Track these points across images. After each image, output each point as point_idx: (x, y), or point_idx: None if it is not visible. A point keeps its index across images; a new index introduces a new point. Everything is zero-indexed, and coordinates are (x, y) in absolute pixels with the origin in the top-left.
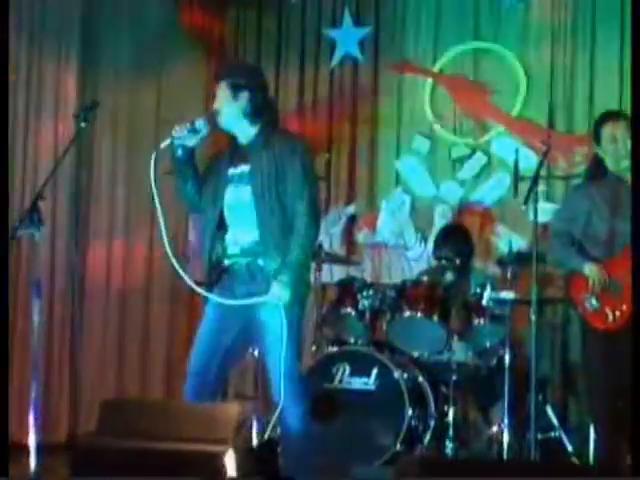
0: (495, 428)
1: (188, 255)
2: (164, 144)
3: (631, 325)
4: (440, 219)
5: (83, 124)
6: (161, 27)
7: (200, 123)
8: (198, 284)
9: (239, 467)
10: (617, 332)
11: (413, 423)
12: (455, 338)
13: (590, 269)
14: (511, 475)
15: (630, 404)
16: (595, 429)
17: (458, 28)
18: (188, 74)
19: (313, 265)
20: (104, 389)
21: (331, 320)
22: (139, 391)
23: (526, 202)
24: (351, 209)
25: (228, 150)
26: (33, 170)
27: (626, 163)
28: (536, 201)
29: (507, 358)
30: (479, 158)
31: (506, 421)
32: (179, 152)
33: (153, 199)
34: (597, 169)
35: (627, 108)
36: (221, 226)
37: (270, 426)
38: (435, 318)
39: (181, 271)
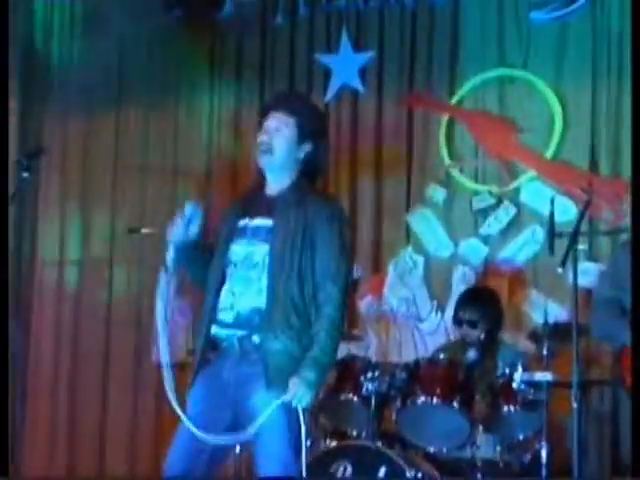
0: None
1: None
2: (168, 259)
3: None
4: (460, 284)
5: (25, 174)
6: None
7: (190, 210)
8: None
9: None
10: None
11: None
12: (480, 429)
13: None
14: None
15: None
16: None
17: (479, 53)
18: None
19: None
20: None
21: (329, 408)
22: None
23: (564, 263)
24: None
25: (244, 198)
26: None
27: None
28: (576, 261)
29: (544, 454)
30: (506, 209)
31: None
32: (182, 252)
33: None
34: None
35: None
36: (222, 288)
37: None
38: (455, 405)
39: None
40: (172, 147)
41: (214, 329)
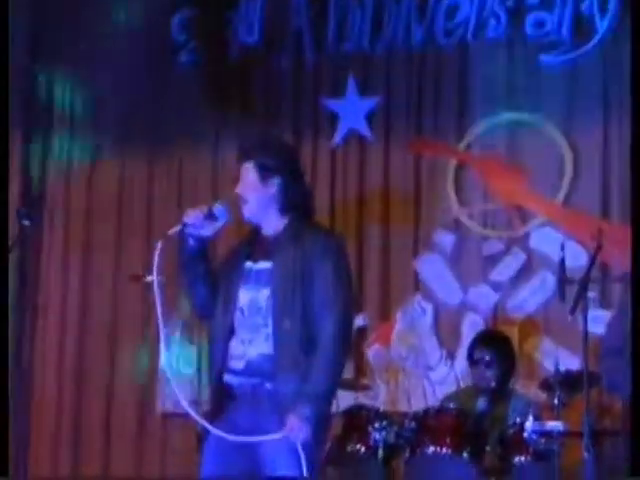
0: None
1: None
2: (173, 231)
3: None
4: (469, 331)
5: (26, 222)
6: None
7: (219, 209)
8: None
9: None
10: None
11: None
12: None
13: None
14: None
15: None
16: None
17: (488, 97)
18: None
19: None
20: None
21: (336, 459)
22: None
23: (574, 310)
24: (360, 320)
25: (247, 240)
26: None
27: None
28: (587, 309)
29: None
30: (516, 255)
31: None
32: (190, 243)
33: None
34: None
35: None
36: (231, 335)
37: None
38: (465, 455)
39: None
40: (176, 196)
41: (226, 377)
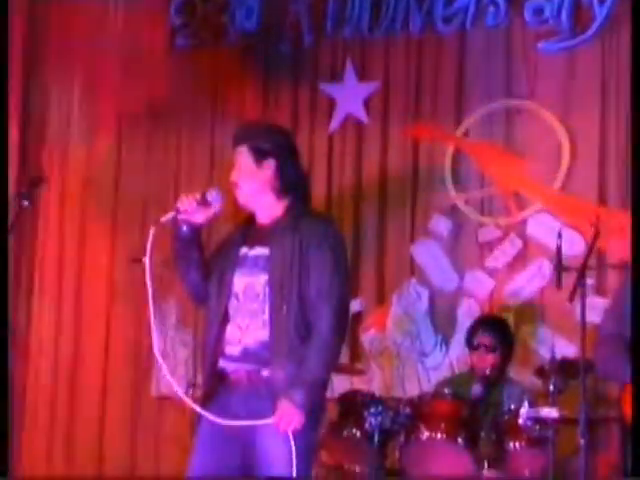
0: None
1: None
2: (166, 218)
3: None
4: (465, 317)
5: (26, 202)
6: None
7: (213, 195)
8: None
9: None
10: None
11: None
12: (485, 466)
13: None
14: None
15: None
16: None
17: (486, 83)
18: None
19: None
20: None
21: (331, 443)
22: None
23: (571, 298)
24: (355, 305)
25: (243, 227)
26: None
27: None
28: (584, 296)
29: None
30: (513, 242)
31: None
32: (184, 229)
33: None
34: None
35: None
36: (225, 320)
37: None
38: (460, 441)
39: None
40: (173, 179)
41: (221, 362)
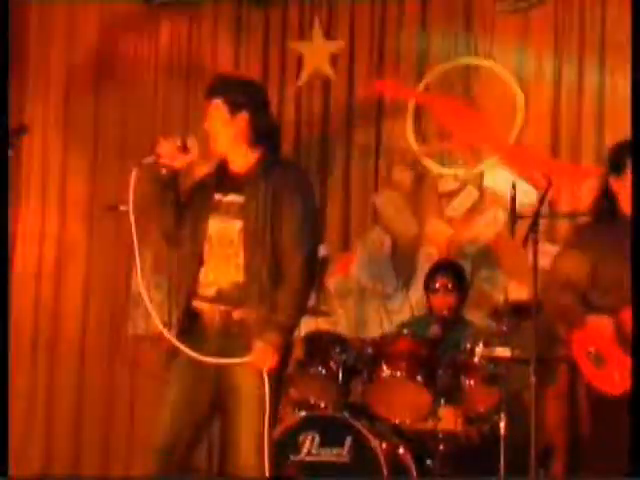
0: None
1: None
2: (147, 160)
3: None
4: (424, 263)
5: (10, 152)
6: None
7: (192, 142)
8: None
9: None
10: (625, 395)
11: None
12: (442, 402)
13: (596, 322)
14: None
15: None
16: None
17: (446, 42)
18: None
19: None
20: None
21: (298, 381)
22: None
23: (524, 244)
24: (321, 251)
25: (216, 174)
26: None
27: None
28: (536, 243)
29: (502, 426)
30: (470, 193)
31: None
32: (163, 172)
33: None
34: (607, 207)
35: None
36: (200, 262)
37: None
38: (419, 378)
39: (156, 317)
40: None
41: (195, 302)
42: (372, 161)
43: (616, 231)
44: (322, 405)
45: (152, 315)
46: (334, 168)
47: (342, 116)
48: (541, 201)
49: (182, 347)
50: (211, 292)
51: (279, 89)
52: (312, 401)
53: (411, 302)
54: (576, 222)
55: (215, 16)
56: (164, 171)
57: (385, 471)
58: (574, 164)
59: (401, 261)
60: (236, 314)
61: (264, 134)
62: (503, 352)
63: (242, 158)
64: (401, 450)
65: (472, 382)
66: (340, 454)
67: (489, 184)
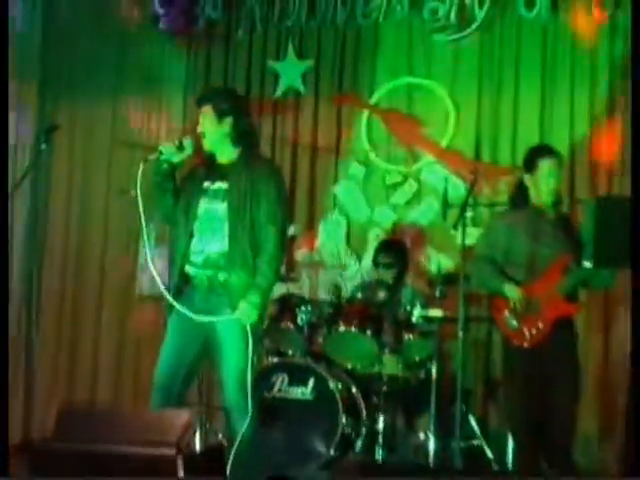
0: (422, 436)
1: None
2: (152, 157)
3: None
4: (373, 241)
5: (44, 145)
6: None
7: (187, 142)
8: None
9: (187, 470)
10: (534, 349)
11: (346, 430)
12: (386, 352)
13: (509, 290)
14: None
15: (628, 404)
16: (513, 437)
17: (393, 64)
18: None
19: None
20: (57, 392)
21: (271, 334)
22: (89, 395)
23: (455, 227)
24: (291, 229)
25: (205, 166)
26: None
27: (550, 199)
28: (464, 226)
29: (434, 371)
30: (411, 185)
31: (432, 430)
32: (164, 166)
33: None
34: (519, 198)
35: (550, 142)
36: (191, 235)
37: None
38: (368, 333)
39: (159, 280)
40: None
41: (187, 268)
42: (333, 158)
43: (527, 218)
44: (290, 353)
45: (156, 279)
46: (303, 163)
47: (310, 123)
48: (468, 193)
49: (178, 305)
50: (200, 259)
51: (259, 100)
52: (282, 350)
53: (362, 272)
54: (495, 210)
55: (209, 40)
56: (165, 165)
57: (340, 406)
58: (493, 164)
59: (355, 239)
60: (221, 277)
61: (245, 134)
62: (436, 313)
63: (227, 154)
64: (353, 389)
65: (411, 336)
66: (304, 392)
67: (426, 179)
